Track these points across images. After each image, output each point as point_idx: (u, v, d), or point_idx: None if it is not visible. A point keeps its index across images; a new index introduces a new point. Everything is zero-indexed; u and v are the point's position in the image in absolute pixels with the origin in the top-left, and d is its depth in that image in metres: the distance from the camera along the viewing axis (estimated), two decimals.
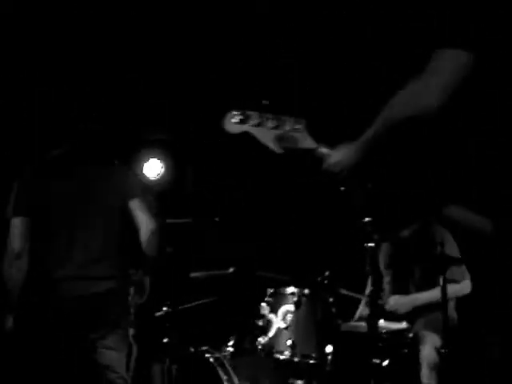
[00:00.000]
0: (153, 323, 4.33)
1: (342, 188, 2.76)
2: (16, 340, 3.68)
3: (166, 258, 4.03)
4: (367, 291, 4.55)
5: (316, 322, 3.91)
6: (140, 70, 5.29)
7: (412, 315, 4.32)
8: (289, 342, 3.81)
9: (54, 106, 3.92)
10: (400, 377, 3.93)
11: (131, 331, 4.74)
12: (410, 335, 4.08)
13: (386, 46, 4.51)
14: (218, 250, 5.40)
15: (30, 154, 4.16)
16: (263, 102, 2.51)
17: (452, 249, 4.29)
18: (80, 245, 3.70)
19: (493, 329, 4.56)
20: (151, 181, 6.08)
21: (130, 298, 3.91)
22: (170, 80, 5.40)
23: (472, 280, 4.42)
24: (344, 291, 4.26)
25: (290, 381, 3.86)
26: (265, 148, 2.46)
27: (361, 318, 4.52)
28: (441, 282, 3.89)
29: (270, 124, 2.48)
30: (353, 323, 4.41)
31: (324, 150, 2.49)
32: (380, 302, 4.16)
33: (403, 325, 4.11)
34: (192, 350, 4.13)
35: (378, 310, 3.78)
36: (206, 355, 3.99)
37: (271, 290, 4.06)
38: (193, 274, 4.41)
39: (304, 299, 3.93)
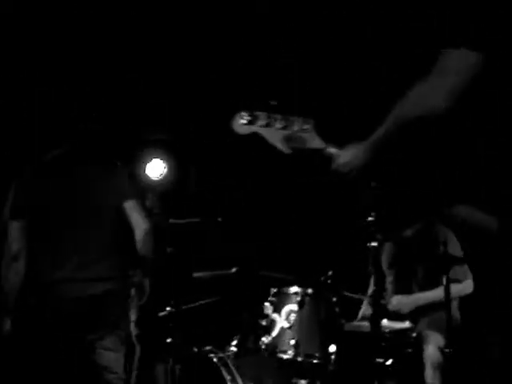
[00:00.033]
0: (156, 323, 4.33)
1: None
2: (14, 342, 3.68)
3: (169, 259, 4.03)
4: (370, 291, 4.55)
5: (319, 321, 3.91)
6: (142, 70, 5.29)
7: (415, 315, 4.31)
8: (292, 342, 3.82)
9: (54, 105, 3.92)
10: (403, 376, 3.92)
11: (134, 331, 4.74)
12: (414, 335, 4.08)
13: (394, 46, 4.51)
14: (221, 250, 5.40)
15: (29, 154, 4.15)
16: (271, 102, 2.51)
17: (455, 248, 4.29)
18: (79, 245, 3.70)
19: (494, 329, 4.56)
20: (154, 181, 6.09)
21: (129, 300, 3.91)
22: (173, 80, 5.40)
23: (474, 280, 4.42)
24: (347, 293, 4.26)
25: (294, 380, 3.86)
26: (273, 148, 2.46)
27: (364, 318, 4.52)
28: (444, 282, 3.89)
29: (279, 124, 2.48)
30: (356, 323, 4.41)
31: (332, 150, 2.49)
32: (383, 301, 4.16)
33: (406, 324, 4.11)
34: (195, 349, 4.13)
35: (380, 310, 3.78)
36: (210, 355, 3.99)
37: (274, 290, 4.06)
38: (196, 274, 4.41)
39: (307, 299, 3.93)
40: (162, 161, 6.17)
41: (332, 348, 3.83)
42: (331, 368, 3.82)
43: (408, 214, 4.44)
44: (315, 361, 3.81)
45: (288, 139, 2.47)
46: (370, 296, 4.32)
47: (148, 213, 4.07)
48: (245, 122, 2.50)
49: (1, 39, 4.82)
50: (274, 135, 2.48)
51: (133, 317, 4.50)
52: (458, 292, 4.28)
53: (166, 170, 6.16)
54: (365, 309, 4.62)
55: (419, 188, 2.86)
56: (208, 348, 4.10)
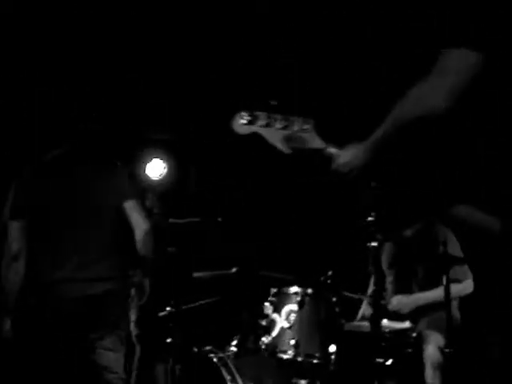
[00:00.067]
0: (156, 323, 4.33)
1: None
2: (14, 342, 3.68)
3: (169, 258, 4.03)
4: (370, 291, 4.55)
5: (319, 321, 3.91)
6: (142, 70, 5.29)
7: (415, 315, 4.31)
8: (292, 342, 3.82)
9: (54, 105, 3.92)
10: (404, 376, 3.92)
11: (134, 331, 4.75)
12: (414, 335, 4.08)
13: (394, 46, 4.51)
14: (221, 250, 5.40)
15: (29, 154, 4.15)
16: (271, 102, 2.51)
17: (454, 248, 4.29)
18: (79, 245, 3.70)
19: (494, 329, 4.56)
20: (154, 181, 6.09)
21: (129, 300, 3.91)
22: (173, 80, 5.40)
23: (474, 280, 4.42)
24: (346, 293, 4.26)
25: (294, 380, 3.86)
26: (273, 148, 2.46)
27: (363, 318, 4.53)
28: (444, 282, 3.89)
29: (279, 124, 2.48)
30: (356, 323, 4.41)
31: (333, 150, 2.49)
32: (383, 301, 4.16)
33: (406, 324, 4.11)
34: (195, 349, 4.13)
35: (380, 310, 3.78)
36: (210, 355, 3.99)
37: (274, 290, 4.06)
38: (196, 274, 4.41)
39: (307, 299, 3.93)
40: (162, 161, 6.17)
41: (332, 348, 3.83)
42: (331, 368, 3.82)
43: (408, 214, 4.44)
44: (315, 361, 3.81)
45: (288, 139, 2.47)
46: (370, 296, 4.33)
47: (148, 213, 4.07)
48: (245, 121, 2.50)
49: (1, 39, 4.82)
50: (274, 135, 2.48)
51: (133, 317, 4.50)
52: (458, 292, 4.28)
53: (165, 170, 6.16)
54: (365, 309, 4.62)
55: (419, 188, 2.87)
56: (208, 348, 4.10)
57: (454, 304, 4.36)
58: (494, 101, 2.15)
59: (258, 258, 5.12)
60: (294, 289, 3.98)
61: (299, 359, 3.81)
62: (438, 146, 2.28)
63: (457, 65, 2.12)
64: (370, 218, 3.64)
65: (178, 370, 3.95)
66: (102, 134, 4.35)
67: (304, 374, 3.86)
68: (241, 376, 3.84)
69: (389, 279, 4.65)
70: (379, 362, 3.67)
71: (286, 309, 3.93)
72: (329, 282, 4.08)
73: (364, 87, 4.96)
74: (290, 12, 4.75)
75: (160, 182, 6.11)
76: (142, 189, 5.12)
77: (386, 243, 4.65)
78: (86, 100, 4.06)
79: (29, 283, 3.71)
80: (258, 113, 2.50)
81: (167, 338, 4.02)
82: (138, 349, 4.75)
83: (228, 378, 3.82)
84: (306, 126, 2.48)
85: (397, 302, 4.39)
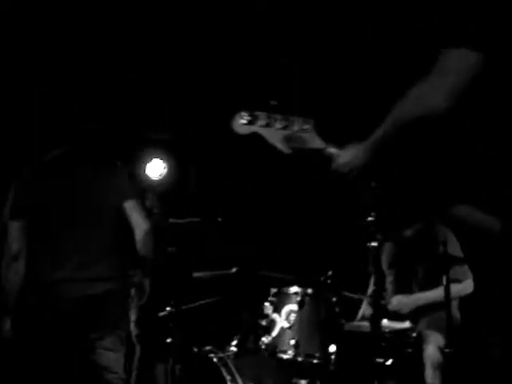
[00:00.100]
0: (156, 323, 4.33)
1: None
2: (14, 342, 3.68)
3: (169, 258, 4.03)
4: (369, 291, 4.56)
5: (319, 321, 3.91)
6: (142, 70, 5.29)
7: (415, 315, 4.31)
8: (292, 342, 3.82)
9: (54, 105, 3.92)
10: (404, 376, 3.92)
11: (134, 331, 4.74)
12: (414, 335, 4.08)
13: (394, 46, 4.51)
14: (221, 250, 5.40)
15: (30, 154, 4.16)
16: (271, 102, 2.51)
17: (454, 248, 4.29)
18: (79, 245, 3.70)
19: (493, 329, 4.56)
20: (154, 181, 6.09)
21: (130, 300, 3.91)
22: (173, 80, 5.40)
23: (474, 280, 4.42)
24: (346, 293, 4.26)
25: (294, 380, 3.86)
26: (273, 148, 2.46)
27: (363, 318, 4.53)
28: (444, 282, 3.89)
29: (279, 124, 2.48)
30: (356, 323, 4.41)
31: (333, 150, 2.49)
32: (383, 301, 4.16)
33: (407, 324, 4.11)
34: (195, 349, 4.13)
35: (380, 310, 3.78)
36: (210, 355, 3.99)
37: (274, 290, 4.06)
38: (196, 274, 4.41)
39: (307, 299, 3.93)
40: (162, 161, 6.17)
41: (332, 348, 3.83)
42: (331, 368, 3.82)
43: (408, 214, 4.44)
44: (315, 361, 3.81)
45: (288, 139, 2.47)
46: (370, 296, 4.33)
47: (148, 213, 4.07)
48: (245, 122, 2.50)
49: (1, 39, 4.82)
50: (274, 135, 2.48)
51: (133, 317, 4.50)
52: (458, 292, 4.28)
53: (165, 170, 6.16)
54: (364, 309, 4.62)
55: (419, 188, 2.87)
56: (208, 348, 4.10)
57: (454, 304, 4.36)
58: (494, 101, 2.15)
59: (258, 258, 5.12)
60: (294, 289, 3.98)
61: (299, 359, 3.81)
62: (437, 146, 2.28)
63: (457, 65, 2.12)
64: (370, 218, 3.64)
65: (178, 370, 3.95)
66: (102, 134, 4.35)
67: (304, 374, 3.86)
68: (241, 376, 3.84)
69: (389, 279, 4.65)
70: (379, 362, 3.67)
71: (286, 309, 3.93)
72: (329, 282, 4.08)
73: (364, 87, 4.96)
74: (290, 12, 4.75)
75: (160, 182, 6.11)
76: (142, 189, 5.12)
77: (386, 243, 4.65)
78: (86, 100, 4.06)
79: (29, 283, 3.71)
80: (257, 113, 2.50)
81: (167, 338, 4.02)
82: (138, 349, 4.75)
83: (228, 378, 3.82)
84: (306, 126, 2.48)
85: (397, 301, 4.39)
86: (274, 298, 4.03)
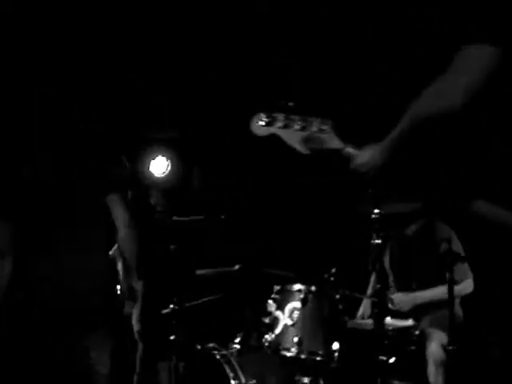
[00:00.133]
0: (159, 321, 4.34)
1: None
2: (1, 338, 3.69)
3: (172, 256, 4.04)
4: (369, 289, 4.57)
5: (322, 318, 3.91)
6: (143, 70, 5.29)
7: (418, 312, 4.32)
8: (295, 339, 3.82)
9: (54, 105, 3.92)
10: (406, 374, 3.93)
11: (136, 327, 4.75)
12: (417, 332, 4.08)
13: (408, 46, 4.50)
14: (224, 248, 5.40)
15: (29, 154, 4.16)
16: (289, 103, 2.50)
17: (458, 247, 4.29)
18: (79, 245, 3.70)
19: (494, 328, 4.57)
20: (158, 178, 6.09)
21: (117, 287, 3.89)
22: (177, 79, 5.40)
23: (474, 279, 4.42)
24: (347, 292, 4.26)
25: (297, 378, 3.86)
26: (292, 150, 2.46)
27: (363, 318, 4.54)
28: (447, 279, 3.88)
29: (297, 125, 2.48)
30: (359, 320, 4.42)
31: (351, 150, 2.49)
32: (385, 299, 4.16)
33: (409, 322, 4.11)
34: (199, 347, 4.14)
35: (383, 308, 3.78)
36: (213, 352, 4.00)
37: (278, 287, 4.06)
38: (199, 272, 4.41)
39: (310, 296, 3.93)
40: (165, 158, 6.18)
41: (335, 345, 3.83)
42: (334, 365, 3.82)
43: (408, 214, 4.44)
44: (318, 358, 3.81)
45: (306, 140, 2.47)
46: (373, 294, 4.33)
47: (152, 210, 4.07)
48: (263, 123, 2.49)
49: (1, 39, 4.83)
50: (293, 136, 2.48)
51: (135, 312, 4.51)
52: (458, 292, 4.27)
53: (169, 168, 6.17)
54: (364, 308, 4.63)
55: (424, 188, 2.87)
56: (211, 345, 4.11)
57: (457, 302, 4.36)
58: (509, 99, 2.15)
59: (261, 256, 5.12)
60: (298, 286, 3.98)
61: (302, 356, 3.80)
62: (454, 144, 2.28)
63: (473, 63, 2.12)
64: (373, 216, 3.64)
65: (182, 367, 3.96)
66: (102, 134, 4.35)
67: (307, 371, 3.86)
68: (244, 373, 3.85)
69: (391, 278, 4.66)
70: (382, 360, 3.67)
71: (289, 306, 3.93)
72: (332, 279, 4.08)
73: (382, 88, 4.94)
74: (307, 11, 4.73)
75: (164, 180, 6.12)
76: (146, 186, 5.13)
77: (388, 242, 4.65)
78: (86, 100, 4.06)
79: (17, 279, 3.71)
80: (276, 114, 2.49)
81: (170, 335, 4.03)
82: (140, 346, 4.76)
83: (231, 375, 3.82)
84: (324, 127, 2.47)
85: (396, 299, 4.40)
86: (277, 296, 4.03)
